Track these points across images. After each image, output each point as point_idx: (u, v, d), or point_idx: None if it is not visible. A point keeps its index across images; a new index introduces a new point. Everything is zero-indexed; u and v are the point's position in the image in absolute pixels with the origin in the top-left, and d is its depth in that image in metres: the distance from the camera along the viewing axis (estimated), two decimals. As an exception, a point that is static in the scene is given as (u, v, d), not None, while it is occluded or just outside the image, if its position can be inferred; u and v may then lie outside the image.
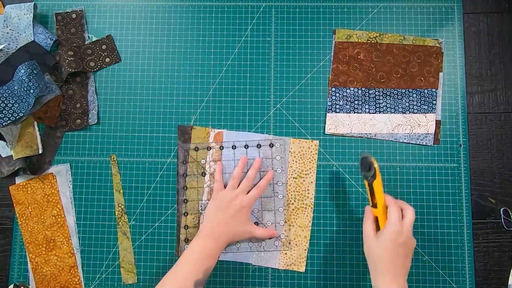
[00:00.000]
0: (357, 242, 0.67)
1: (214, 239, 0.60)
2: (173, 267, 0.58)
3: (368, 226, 0.58)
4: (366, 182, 0.59)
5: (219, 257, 0.61)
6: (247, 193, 0.64)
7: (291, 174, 0.67)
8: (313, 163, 0.67)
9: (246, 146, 0.68)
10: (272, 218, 0.67)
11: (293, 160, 0.67)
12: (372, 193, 0.58)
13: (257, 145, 0.68)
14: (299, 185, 0.67)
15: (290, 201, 0.67)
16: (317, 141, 0.67)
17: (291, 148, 0.67)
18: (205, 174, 0.68)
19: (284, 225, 0.67)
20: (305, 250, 0.66)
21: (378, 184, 0.57)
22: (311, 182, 0.67)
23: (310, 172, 0.67)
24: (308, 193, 0.67)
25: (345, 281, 0.66)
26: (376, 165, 0.57)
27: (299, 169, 0.67)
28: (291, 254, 0.66)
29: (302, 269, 0.66)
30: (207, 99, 0.70)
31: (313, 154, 0.67)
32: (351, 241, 0.67)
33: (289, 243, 0.66)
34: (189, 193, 0.68)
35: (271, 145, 0.68)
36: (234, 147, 0.68)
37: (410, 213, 0.56)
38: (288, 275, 0.67)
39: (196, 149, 0.68)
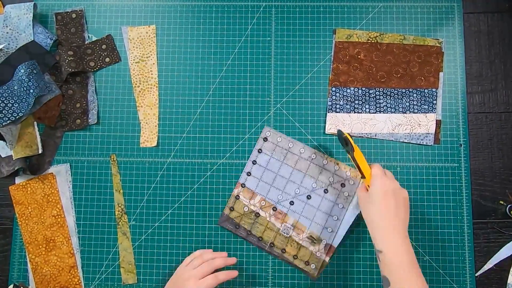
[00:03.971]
0: (357, 242, 0.67)
1: None
2: None
3: (360, 191, 0.60)
4: (350, 157, 0.62)
5: None
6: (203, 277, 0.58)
7: (134, 60, 0.71)
8: (153, 47, 0.71)
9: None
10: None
11: (133, 47, 0.71)
12: (356, 164, 0.61)
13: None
14: (142, 68, 0.70)
15: (136, 84, 0.70)
16: (154, 26, 0.71)
17: (130, 36, 0.71)
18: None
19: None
20: None
21: (358, 154, 0.60)
22: (153, 63, 0.71)
23: (151, 55, 0.71)
24: (152, 74, 0.70)
25: (346, 281, 0.66)
26: (350, 138, 0.61)
27: (140, 53, 0.71)
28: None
29: None
30: (207, 98, 0.70)
31: (151, 38, 0.71)
32: (351, 241, 0.67)
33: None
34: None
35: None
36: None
37: (389, 172, 0.61)
38: (289, 275, 0.67)
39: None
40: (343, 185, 0.67)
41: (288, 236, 0.66)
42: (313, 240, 0.66)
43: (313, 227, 0.66)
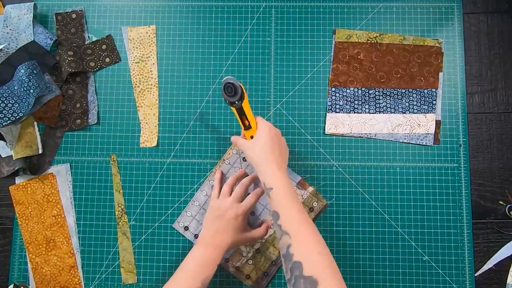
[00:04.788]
0: (357, 242, 0.67)
1: (212, 247, 0.59)
2: (173, 276, 0.58)
3: (241, 139, 0.61)
4: (233, 109, 0.58)
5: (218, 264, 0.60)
6: (242, 201, 0.62)
7: (134, 60, 0.71)
8: (153, 47, 0.71)
9: None
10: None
11: (133, 47, 0.71)
12: (243, 114, 0.58)
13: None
14: (142, 68, 0.71)
15: (136, 84, 0.71)
16: (154, 26, 0.72)
17: (130, 36, 0.71)
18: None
19: None
20: None
21: (246, 104, 0.58)
22: (153, 64, 0.71)
23: (151, 55, 0.71)
24: (152, 74, 0.70)
25: (346, 281, 0.66)
26: (242, 86, 0.56)
27: (140, 54, 0.71)
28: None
29: None
30: (207, 99, 0.70)
31: (151, 38, 0.71)
32: (351, 241, 0.67)
33: None
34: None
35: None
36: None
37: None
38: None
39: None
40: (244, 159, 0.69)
41: None
42: None
43: None
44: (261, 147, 0.57)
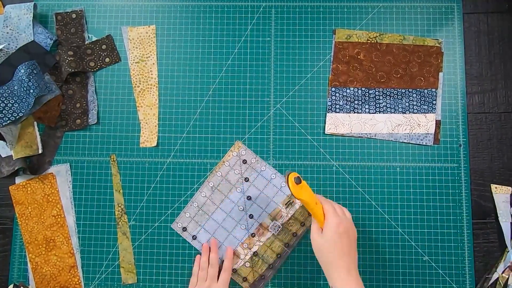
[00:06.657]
0: (357, 242, 0.67)
1: None
2: None
3: (313, 228, 0.58)
4: (298, 198, 0.57)
5: None
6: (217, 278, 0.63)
7: (134, 60, 0.71)
8: (153, 47, 0.71)
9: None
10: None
11: (133, 47, 0.71)
12: (308, 204, 0.58)
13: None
14: (142, 68, 0.71)
15: (136, 84, 0.70)
16: (154, 26, 0.71)
17: (129, 36, 0.71)
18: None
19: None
20: None
21: (308, 191, 0.58)
22: (153, 64, 0.71)
23: (151, 55, 0.71)
24: (152, 74, 0.70)
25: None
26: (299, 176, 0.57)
27: (140, 53, 0.71)
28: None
29: None
30: (207, 99, 0.70)
31: (151, 38, 0.71)
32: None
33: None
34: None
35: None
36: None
37: (341, 207, 0.60)
38: (288, 275, 0.67)
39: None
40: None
41: (281, 227, 0.67)
42: (290, 202, 0.67)
43: (278, 197, 0.67)
44: (328, 242, 0.55)
